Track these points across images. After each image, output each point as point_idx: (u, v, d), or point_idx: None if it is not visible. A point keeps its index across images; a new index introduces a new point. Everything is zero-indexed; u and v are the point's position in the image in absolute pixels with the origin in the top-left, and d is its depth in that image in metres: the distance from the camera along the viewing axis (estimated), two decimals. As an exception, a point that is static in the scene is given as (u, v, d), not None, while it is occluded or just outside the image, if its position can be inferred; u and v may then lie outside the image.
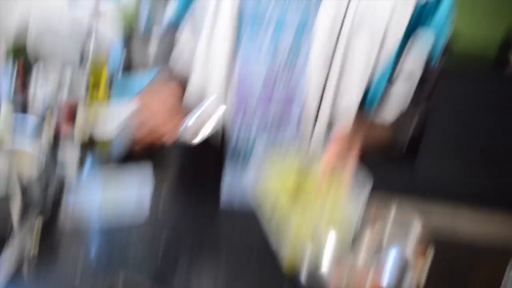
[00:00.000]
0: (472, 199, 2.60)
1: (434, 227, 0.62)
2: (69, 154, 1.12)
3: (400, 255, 0.54)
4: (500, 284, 0.61)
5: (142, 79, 1.71)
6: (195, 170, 0.86)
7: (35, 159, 1.07)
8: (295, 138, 0.76)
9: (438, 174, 2.57)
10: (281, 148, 0.69)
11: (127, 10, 2.38)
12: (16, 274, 0.60)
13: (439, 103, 2.42)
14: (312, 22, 0.68)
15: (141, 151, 0.86)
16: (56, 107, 1.20)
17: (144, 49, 1.86)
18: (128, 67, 1.77)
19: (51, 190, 0.75)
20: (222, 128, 0.76)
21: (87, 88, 1.31)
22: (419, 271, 0.55)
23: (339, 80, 0.70)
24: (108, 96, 1.44)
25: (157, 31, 1.74)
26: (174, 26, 0.81)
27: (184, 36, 0.80)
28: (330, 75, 0.69)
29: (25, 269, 0.61)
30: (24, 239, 0.65)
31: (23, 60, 1.30)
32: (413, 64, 0.75)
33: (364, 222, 0.58)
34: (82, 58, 1.64)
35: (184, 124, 0.65)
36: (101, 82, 1.32)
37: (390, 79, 0.75)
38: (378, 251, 0.55)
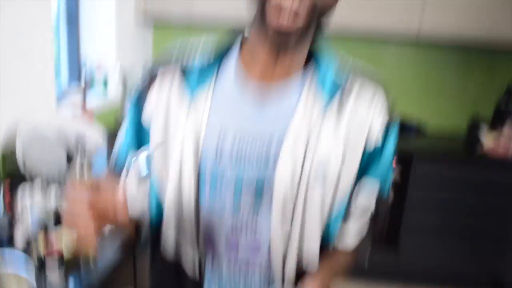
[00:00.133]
0: (454, 279, 2.63)
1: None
2: (56, 275, 1.12)
3: None
4: None
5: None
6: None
7: (26, 282, 1.07)
8: (264, 283, 0.81)
9: (420, 256, 2.60)
10: None
11: (112, 107, 2.47)
12: None
13: (415, 187, 2.52)
14: (271, 178, 0.73)
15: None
16: (42, 229, 1.20)
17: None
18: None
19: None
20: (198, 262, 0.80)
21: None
22: None
23: (302, 226, 0.76)
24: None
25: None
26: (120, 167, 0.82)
27: (130, 188, 0.79)
28: (293, 224, 0.75)
29: None
30: None
31: (9, 181, 1.31)
32: (364, 203, 0.82)
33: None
34: (70, 163, 1.67)
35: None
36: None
37: (345, 218, 0.81)
38: None
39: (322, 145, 0.73)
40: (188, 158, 0.74)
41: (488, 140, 2.65)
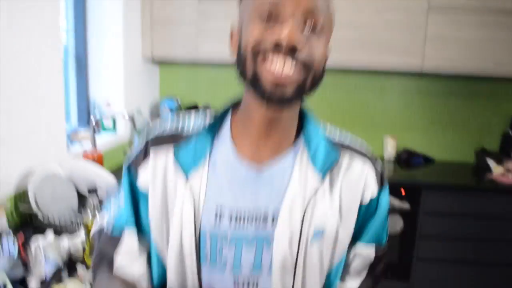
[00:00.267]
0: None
1: None
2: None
3: None
4: None
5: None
6: None
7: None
8: None
9: (432, 286, 2.56)
10: None
11: (121, 143, 2.50)
12: None
13: (425, 217, 2.51)
14: (271, 238, 0.75)
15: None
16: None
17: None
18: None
19: None
20: None
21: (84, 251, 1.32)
22: None
23: (302, 285, 0.77)
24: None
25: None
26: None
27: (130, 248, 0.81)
28: (295, 281, 0.76)
29: None
30: None
31: (22, 222, 1.32)
32: (361, 266, 0.83)
33: None
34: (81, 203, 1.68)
35: None
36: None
37: (343, 278, 0.83)
38: None
39: (318, 214, 0.75)
40: (188, 237, 0.75)
41: (496, 168, 2.65)
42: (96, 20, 2.44)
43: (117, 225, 0.80)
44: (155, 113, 3.05)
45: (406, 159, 2.93)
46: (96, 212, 1.30)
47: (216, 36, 2.61)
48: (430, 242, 2.53)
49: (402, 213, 2.46)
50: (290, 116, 0.76)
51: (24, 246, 1.30)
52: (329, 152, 0.77)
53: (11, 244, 1.28)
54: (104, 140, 2.33)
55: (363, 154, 0.81)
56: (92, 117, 2.21)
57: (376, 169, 0.81)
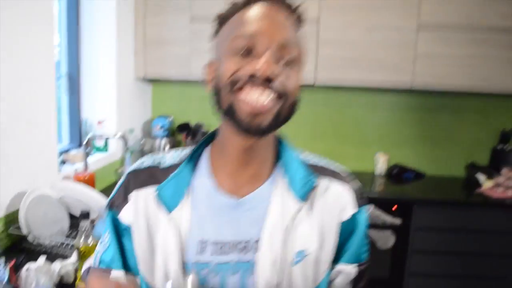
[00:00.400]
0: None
1: None
2: None
3: None
4: None
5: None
6: None
7: None
8: None
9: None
10: None
11: (112, 161, 2.50)
12: None
13: (418, 231, 2.52)
14: (254, 264, 0.77)
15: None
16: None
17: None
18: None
19: None
20: None
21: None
22: None
23: None
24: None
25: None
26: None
27: None
28: None
29: None
30: None
31: (13, 245, 1.31)
32: (343, 285, 0.85)
33: None
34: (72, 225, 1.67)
35: None
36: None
37: None
38: None
39: (298, 237, 0.78)
40: (173, 268, 0.77)
41: (486, 183, 2.68)
42: (89, 39, 2.46)
43: (104, 262, 0.82)
44: (148, 131, 3.06)
45: (397, 174, 2.96)
46: (88, 235, 1.30)
47: (208, 56, 2.62)
48: (421, 257, 2.54)
49: (394, 228, 2.47)
50: (266, 145, 0.79)
51: (15, 269, 1.29)
52: (306, 177, 0.80)
53: (1, 268, 1.27)
54: (96, 159, 2.33)
55: (339, 176, 0.85)
56: (84, 137, 2.21)
57: (353, 189, 0.84)
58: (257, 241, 0.77)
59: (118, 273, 0.81)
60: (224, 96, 0.72)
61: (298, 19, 0.78)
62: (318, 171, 0.83)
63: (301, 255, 0.78)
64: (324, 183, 0.82)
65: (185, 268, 0.77)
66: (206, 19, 2.57)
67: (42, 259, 1.32)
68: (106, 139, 2.51)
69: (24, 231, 1.55)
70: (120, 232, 0.82)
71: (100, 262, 0.82)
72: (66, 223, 1.70)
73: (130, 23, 2.67)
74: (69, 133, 2.44)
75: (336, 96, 3.05)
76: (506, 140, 2.90)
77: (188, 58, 2.68)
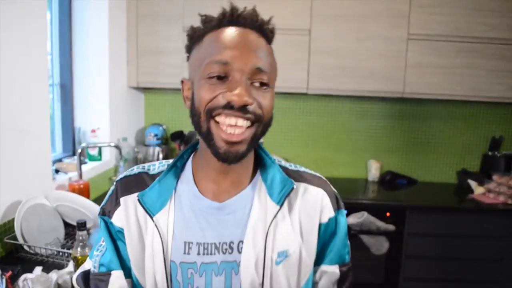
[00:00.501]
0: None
1: None
2: None
3: None
4: None
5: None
6: None
7: None
8: None
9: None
10: None
11: (106, 168, 2.49)
12: None
13: (411, 236, 2.54)
14: (238, 264, 0.80)
15: None
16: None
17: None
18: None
19: None
20: None
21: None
22: None
23: None
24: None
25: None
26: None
27: None
28: None
29: None
30: None
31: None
32: (327, 279, 0.88)
33: None
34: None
35: None
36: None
37: None
38: None
39: (280, 237, 0.81)
40: (159, 268, 0.80)
41: (477, 188, 2.72)
42: (82, 48, 2.46)
43: (103, 264, 0.85)
44: (141, 140, 3.05)
45: (390, 180, 2.99)
46: (84, 244, 1.29)
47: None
48: (415, 262, 2.56)
49: (388, 234, 2.49)
50: (246, 158, 0.81)
51: (12, 279, 1.28)
52: (284, 182, 0.84)
53: (-2, 278, 1.26)
54: (90, 168, 2.32)
55: (317, 180, 0.89)
56: (77, 146, 2.20)
57: (331, 193, 0.88)
58: (240, 242, 0.81)
59: (117, 273, 0.84)
60: (202, 122, 0.76)
61: (269, 37, 0.80)
62: (296, 176, 0.87)
63: (283, 255, 0.81)
64: (302, 187, 0.86)
65: (171, 267, 0.81)
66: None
67: (38, 268, 1.31)
68: (100, 148, 2.50)
69: (20, 240, 1.54)
70: (114, 236, 0.86)
71: (100, 265, 0.85)
72: (61, 232, 1.69)
73: (122, 33, 2.67)
74: (62, 142, 2.43)
75: (328, 104, 3.08)
76: (496, 146, 2.95)
77: (181, 67, 2.69)
